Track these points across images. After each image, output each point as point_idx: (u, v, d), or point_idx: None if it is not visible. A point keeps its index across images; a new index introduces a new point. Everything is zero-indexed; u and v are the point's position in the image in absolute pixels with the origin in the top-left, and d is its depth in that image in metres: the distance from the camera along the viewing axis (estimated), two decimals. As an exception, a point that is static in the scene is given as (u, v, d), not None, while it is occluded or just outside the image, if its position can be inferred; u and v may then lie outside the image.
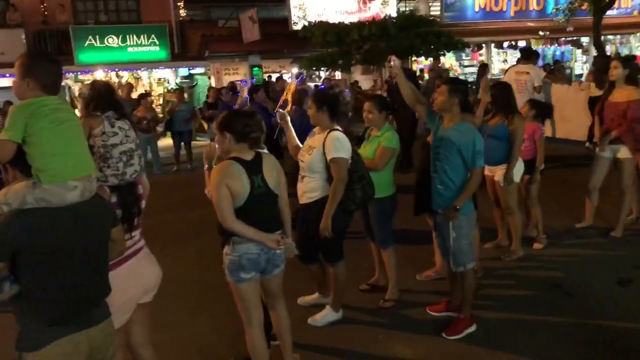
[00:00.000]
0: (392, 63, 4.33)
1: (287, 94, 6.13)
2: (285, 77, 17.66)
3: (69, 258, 2.35)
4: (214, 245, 3.59)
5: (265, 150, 3.46)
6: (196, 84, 18.84)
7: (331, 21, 16.76)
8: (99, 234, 2.48)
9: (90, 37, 17.09)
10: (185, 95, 14.27)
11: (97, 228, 2.47)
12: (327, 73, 18.29)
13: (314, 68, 17.02)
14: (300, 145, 4.34)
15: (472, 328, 4.18)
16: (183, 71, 19.20)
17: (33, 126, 2.29)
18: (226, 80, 17.39)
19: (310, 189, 4.14)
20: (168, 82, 18.89)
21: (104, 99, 3.10)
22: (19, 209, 2.26)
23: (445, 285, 4.66)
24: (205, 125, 14.04)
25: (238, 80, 16.56)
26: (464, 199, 4.00)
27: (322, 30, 15.73)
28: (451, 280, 4.44)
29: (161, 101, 17.58)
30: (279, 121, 4.43)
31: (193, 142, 12.84)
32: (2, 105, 12.06)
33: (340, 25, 16.26)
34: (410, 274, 5.16)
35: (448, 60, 20.32)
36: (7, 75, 14.47)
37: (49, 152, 2.32)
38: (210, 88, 15.05)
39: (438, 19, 18.22)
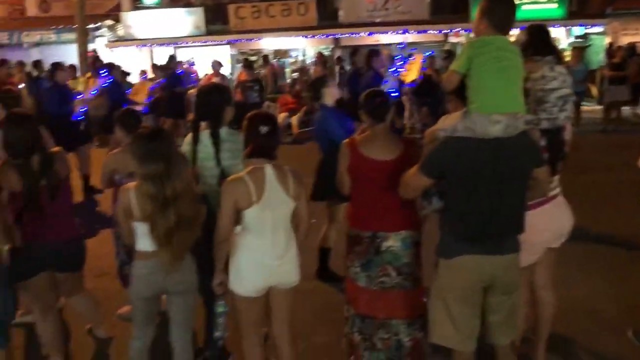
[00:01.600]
0: None
1: None
2: None
3: (484, 186, 2.55)
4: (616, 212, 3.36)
5: None
6: (590, 44, 17.46)
7: None
8: (517, 170, 2.59)
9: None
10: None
11: (517, 164, 2.58)
12: None
13: None
14: None
15: None
16: (577, 30, 17.98)
17: (475, 60, 2.54)
18: (624, 41, 15.68)
19: None
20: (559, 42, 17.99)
21: (543, 44, 3.15)
22: (450, 136, 2.59)
23: None
24: (595, 90, 13.08)
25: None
26: None
27: None
28: None
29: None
30: None
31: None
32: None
33: None
34: None
35: None
36: (412, 31, 15.97)
37: (481, 85, 2.53)
38: (616, 48, 13.83)
39: None
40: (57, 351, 3.62)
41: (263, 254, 2.99)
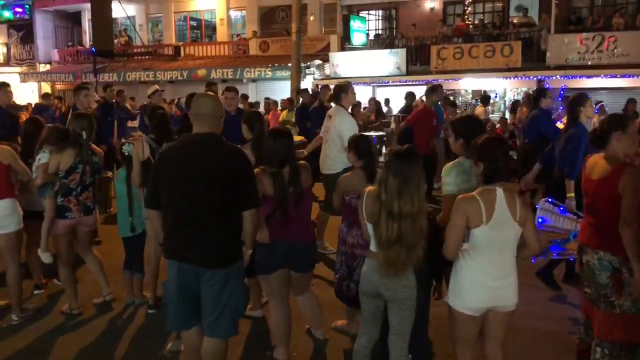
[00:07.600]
0: None
1: None
2: None
3: None
4: None
5: None
6: None
7: None
8: None
9: None
10: None
11: None
12: None
13: None
14: None
15: None
16: None
17: None
18: None
19: None
20: None
21: None
22: None
23: None
24: None
25: None
26: None
27: None
28: None
29: None
30: None
31: None
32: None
33: None
34: None
35: None
36: (627, 76, 14.84)
37: None
38: None
39: None
40: (283, 343, 4.05)
41: (487, 275, 3.10)
